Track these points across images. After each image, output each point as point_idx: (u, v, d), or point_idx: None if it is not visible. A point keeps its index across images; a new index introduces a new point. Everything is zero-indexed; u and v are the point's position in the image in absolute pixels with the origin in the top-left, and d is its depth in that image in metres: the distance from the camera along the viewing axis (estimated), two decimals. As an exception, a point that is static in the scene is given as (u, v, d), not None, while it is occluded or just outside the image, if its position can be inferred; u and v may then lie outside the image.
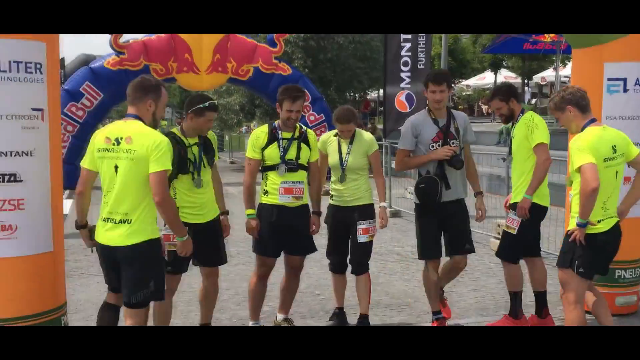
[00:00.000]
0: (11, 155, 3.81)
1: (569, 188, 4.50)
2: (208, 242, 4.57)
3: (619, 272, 5.37)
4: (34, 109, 3.89)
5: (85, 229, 4.00)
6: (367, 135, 5.21)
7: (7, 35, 3.74)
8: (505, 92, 5.25)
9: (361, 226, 5.03)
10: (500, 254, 5.26)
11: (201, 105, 4.49)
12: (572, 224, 4.22)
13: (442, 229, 5.05)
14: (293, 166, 4.84)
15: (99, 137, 3.82)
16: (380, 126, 17.73)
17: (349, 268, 5.21)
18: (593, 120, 4.29)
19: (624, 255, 5.13)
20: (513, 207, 5.08)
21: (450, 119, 5.01)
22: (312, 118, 14.62)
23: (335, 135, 5.15)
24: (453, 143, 4.96)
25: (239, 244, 7.50)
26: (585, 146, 4.08)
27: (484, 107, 31.68)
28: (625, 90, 5.26)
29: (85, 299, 6.05)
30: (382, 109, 18.18)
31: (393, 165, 9.05)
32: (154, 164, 3.65)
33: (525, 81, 34.20)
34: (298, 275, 5.15)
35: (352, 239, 5.09)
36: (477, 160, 5.99)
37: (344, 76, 19.53)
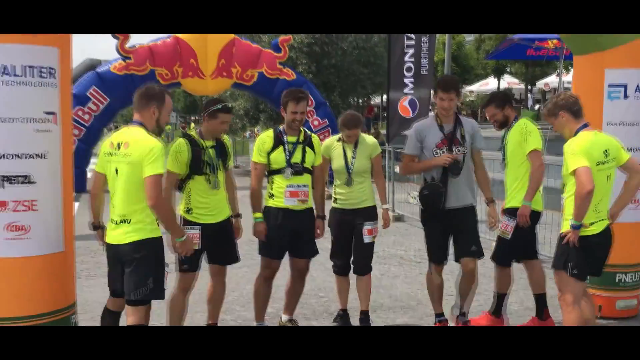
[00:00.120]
0: (25, 157, 3.92)
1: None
2: (219, 242, 4.69)
3: (619, 276, 5.41)
4: (46, 112, 3.99)
5: (100, 229, 4.18)
6: (369, 138, 5.30)
7: (21, 41, 3.84)
8: (501, 99, 5.30)
9: (367, 227, 5.11)
10: (495, 258, 5.29)
11: (214, 108, 4.61)
12: (565, 227, 4.29)
13: (451, 234, 5.07)
14: (299, 169, 4.92)
15: (107, 142, 4.03)
16: (383, 131, 17.76)
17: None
18: (585, 125, 4.37)
19: (625, 259, 5.20)
20: (507, 212, 5.12)
21: (457, 125, 5.03)
22: (315, 123, 14.67)
23: (339, 140, 5.23)
24: (458, 150, 4.97)
25: (243, 247, 7.51)
26: (579, 150, 4.17)
27: (487, 113, 31.56)
28: (625, 96, 5.32)
29: (92, 300, 6.12)
30: (385, 114, 18.18)
31: (397, 170, 9.12)
32: (147, 168, 3.81)
33: (529, 87, 34.22)
34: (304, 278, 5.22)
35: (356, 240, 5.16)
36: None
37: (348, 81, 19.54)
